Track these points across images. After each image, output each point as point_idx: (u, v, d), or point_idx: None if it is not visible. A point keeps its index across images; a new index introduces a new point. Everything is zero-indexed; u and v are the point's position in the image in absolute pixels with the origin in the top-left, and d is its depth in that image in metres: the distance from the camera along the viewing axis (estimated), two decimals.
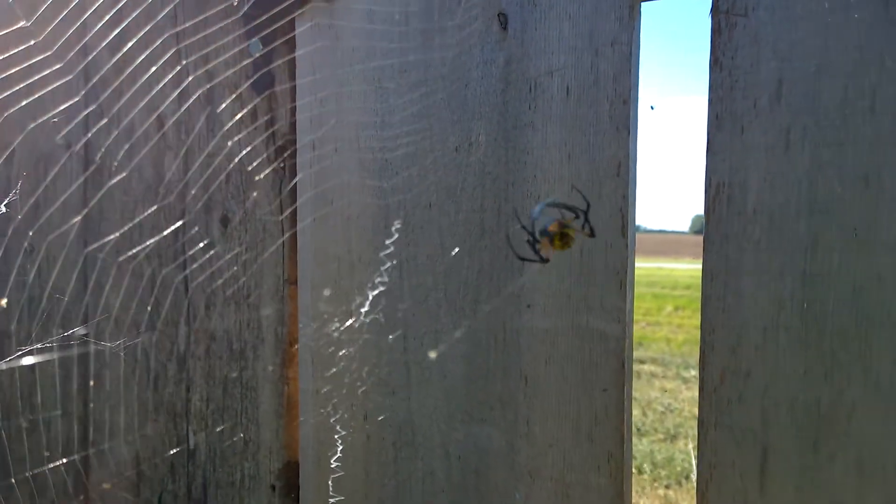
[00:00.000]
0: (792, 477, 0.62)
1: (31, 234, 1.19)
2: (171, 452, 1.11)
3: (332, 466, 0.95)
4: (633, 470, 3.28)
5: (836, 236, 0.60)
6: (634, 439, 3.74)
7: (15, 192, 1.02)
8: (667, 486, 3.06)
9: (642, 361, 5.80)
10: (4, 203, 0.95)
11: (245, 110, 1.01)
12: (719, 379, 0.66)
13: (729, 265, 0.65)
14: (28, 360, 1.17)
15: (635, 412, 4.31)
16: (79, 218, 1.18)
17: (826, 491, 0.60)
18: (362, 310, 0.90)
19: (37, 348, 1.14)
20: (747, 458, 0.64)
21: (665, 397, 4.38)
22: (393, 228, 0.87)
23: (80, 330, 1.17)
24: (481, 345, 0.81)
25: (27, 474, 1.16)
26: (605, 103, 0.72)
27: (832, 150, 0.60)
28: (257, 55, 0.99)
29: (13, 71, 0.94)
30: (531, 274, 0.77)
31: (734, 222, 0.65)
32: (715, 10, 0.66)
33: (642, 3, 0.71)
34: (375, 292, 0.89)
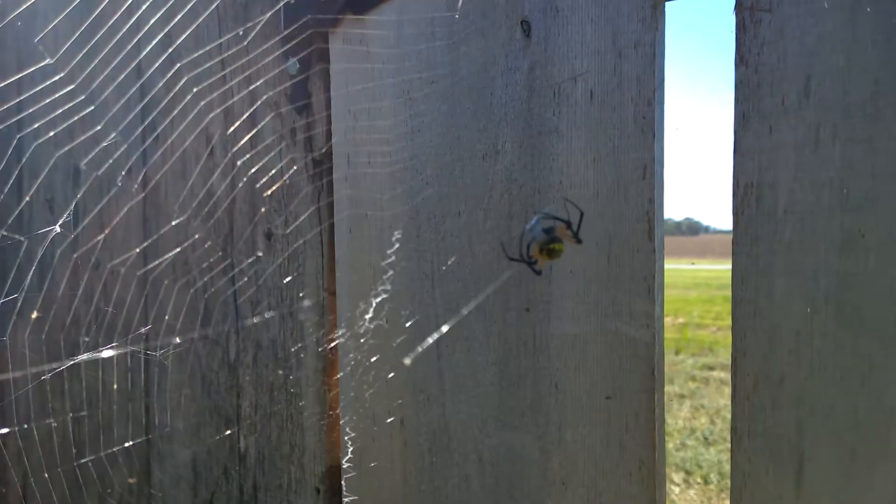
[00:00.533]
0: (829, 486, 0.59)
1: (97, 250, 1.28)
2: (224, 455, 1.17)
3: (372, 471, 0.98)
4: (700, 480, 3.17)
5: (870, 235, 0.58)
6: (702, 448, 3.62)
7: (69, 214, 1.10)
8: None
9: (711, 368, 5.60)
10: (59, 223, 1.04)
11: (285, 127, 1.06)
12: (752, 385, 0.64)
13: (760, 267, 0.64)
14: (91, 367, 1.26)
15: (703, 420, 4.16)
16: (102, 230, 1.26)
17: (866, 502, 0.58)
18: (396, 317, 0.93)
19: (101, 358, 1.22)
20: (782, 466, 0.62)
21: None
22: (424, 237, 0.89)
23: (138, 340, 1.24)
24: (512, 351, 0.82)
25: (89, 461, 1.25)
26: (629, 106, 0.72)
27: (864, 147, 0.58)
28: (295, 73, 1.03)
29: (79, 100, 1.03)
30: (559, 280, 0.77)
31: (764, 223, 0.63)
32: (739, 7, 0.65)
33: (666, 3, 0.71)
34: (408, 298, 0.91)
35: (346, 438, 1.01)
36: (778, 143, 0.62)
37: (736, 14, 0.65)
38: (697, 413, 4.26)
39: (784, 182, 0.62)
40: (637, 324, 0.71)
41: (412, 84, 0.90)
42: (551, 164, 0.78)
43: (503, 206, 0.82)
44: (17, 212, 1.44)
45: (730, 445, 0.66)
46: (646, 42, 0.70)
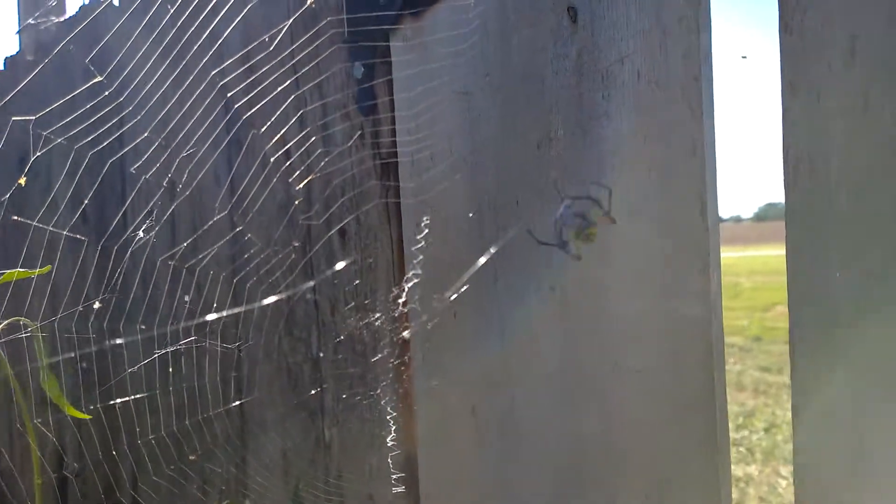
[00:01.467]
0: (893, 463, 0.61)
1: (190, 255, 1.46)
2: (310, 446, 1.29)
3: (447, 458, 1.06)
4: None
5: None
6: None
7: (151, 220, 1.27)
8: None
9: None
10: (143, 229, 1.20)
11: (354, 130, 1.16)
12: (810, 360, 0.66)
13: (813, 239, 0.66)
14: (188, 364, 1.43)
15: None
16: (196, 237, 1.42)
17: None
18: (463, 308, 1.00)
19: (195, 357, 1.39)
20: (844, 442, 0.63)
21: None
22: (486, 228, 0.97)
23: (233, 338, 1.40)
24: (573, 334, 0.87)
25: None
26: (675, 83, 0.75)
27: None
28: (360, 77, 1.14)
29: (181, 115, 1.19)
30: (615, 261, 0.82)
31: (816, 194, 0.65)
32: None
33: None
34: (473, 291, 0.99)
35: (421, 427, 1.10)
36: (827, 110, 0.64)
37: None
38: None
39: (834, 149, 0.64)
40: (693, 301, 0.74)
41: (468, 79, 0.98)
42: (602, 148, 0.82)
43: (557, 192, 0.87)
44: (122, 222, 1.65)
45: (791, 422, 0.68)
46: (689, 16, 0.74)
